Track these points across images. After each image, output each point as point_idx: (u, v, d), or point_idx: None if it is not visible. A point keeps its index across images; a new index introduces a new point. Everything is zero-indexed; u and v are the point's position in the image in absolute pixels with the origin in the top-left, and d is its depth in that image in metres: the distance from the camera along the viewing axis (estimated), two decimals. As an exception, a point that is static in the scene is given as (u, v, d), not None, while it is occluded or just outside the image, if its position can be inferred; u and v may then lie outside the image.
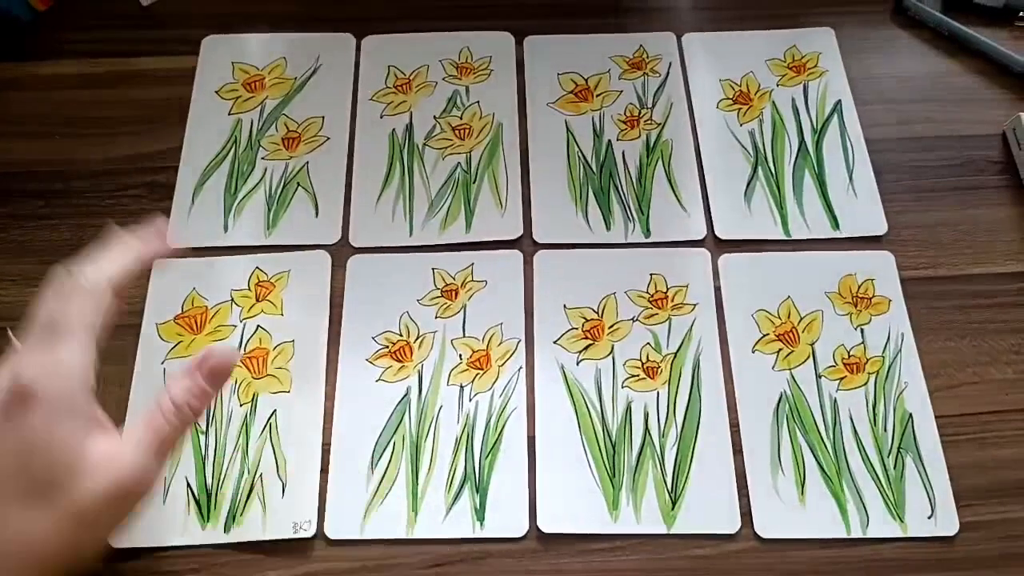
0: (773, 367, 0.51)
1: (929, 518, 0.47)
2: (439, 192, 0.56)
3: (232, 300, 0.53)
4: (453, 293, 0.53)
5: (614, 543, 0.46)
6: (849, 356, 0.52)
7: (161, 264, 0.49)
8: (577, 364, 0.51)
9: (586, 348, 0.51)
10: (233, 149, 0.58)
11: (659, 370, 0.51)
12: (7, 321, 0.48)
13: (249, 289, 0.53)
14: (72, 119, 0.59)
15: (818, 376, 0.51)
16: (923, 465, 0.49)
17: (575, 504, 0.47)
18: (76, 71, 0.61)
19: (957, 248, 0.56)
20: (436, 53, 0.62)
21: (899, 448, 0.49)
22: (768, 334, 0.52)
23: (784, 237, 0.55)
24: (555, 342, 0.51)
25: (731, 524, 0.47)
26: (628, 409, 0.49)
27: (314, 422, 0.49)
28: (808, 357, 0.52)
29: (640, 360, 0.51)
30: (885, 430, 0.49)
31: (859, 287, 0.54)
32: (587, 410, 0.49)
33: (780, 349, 0.52)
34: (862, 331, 0.52)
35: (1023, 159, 0.59)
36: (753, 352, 0.51)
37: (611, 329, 0.52)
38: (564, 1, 0.65)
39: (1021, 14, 0.64)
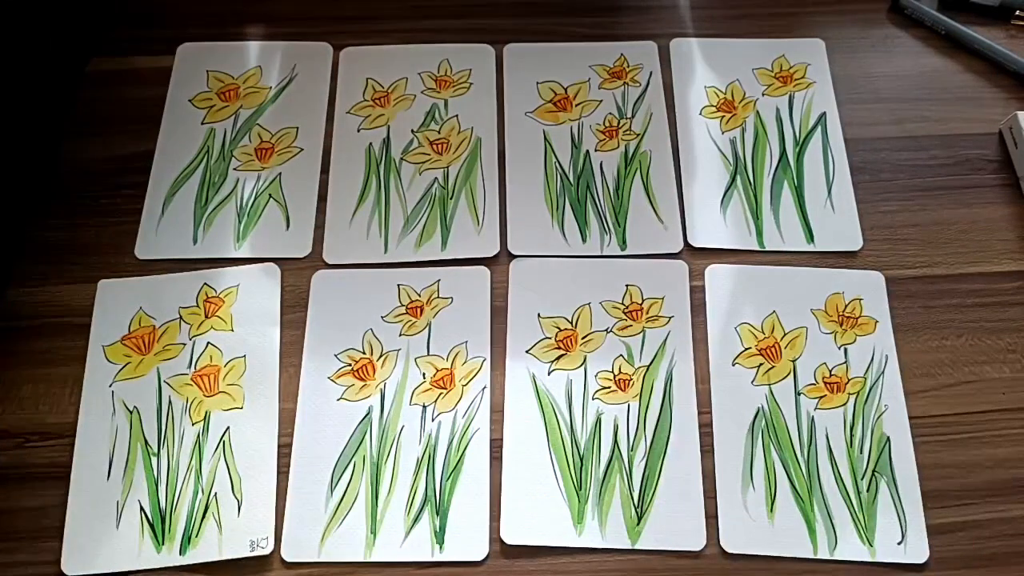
0: (752, 381, 0.50)
1: (899, 544, 0.46)
2: (415, 208, 0.55)
3: (180, 318, 0.52)
4: (418, 310, 0.52)
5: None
6: (830, 375, 0.50)
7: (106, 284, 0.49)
8: (548, 374, 0.50)
9: (558, 358, 0.51)
10: (205, 159, 0.57)
11: (631, 383, 0.50)
12: (2, 320, 0.51)
13: (197, 306, 0.52)
14: (68, 118, 0.59)
15: (797, 393, 0.50)
16: (897, 490, 0.47)
17: (539, 517, 0.46)
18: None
19: (953, 247, 0.55)
20: (415, 65, 0.61)
21: (874, 471, 0.47)
22: (750, 348, 0.51)
23: (758, 248, 0.54)
24: (527, 351, 0.51)
25: (697, 541, 0.46)
26: (598, 422, 0.49)
27: (269, 436, 0.48)
28: (789, 373, 0.50)
29: (612, 372, 0.50)
30: (861, 452, 0.48)
31: (846, 306, 0.52)
32: (556, 421, 0.49)
33: (761, 364, 0.50)
34: (846, 351, 0.51)
35: (1020, 158, 0.57)
36: (733, 365, 0.50)
37: (584, 340, 0.51)
38: (550, 0, 0.64)
39: (1017, 13, 0.63)
